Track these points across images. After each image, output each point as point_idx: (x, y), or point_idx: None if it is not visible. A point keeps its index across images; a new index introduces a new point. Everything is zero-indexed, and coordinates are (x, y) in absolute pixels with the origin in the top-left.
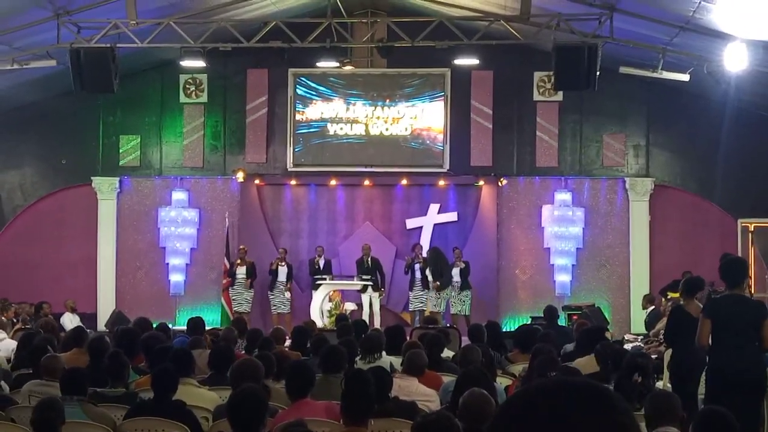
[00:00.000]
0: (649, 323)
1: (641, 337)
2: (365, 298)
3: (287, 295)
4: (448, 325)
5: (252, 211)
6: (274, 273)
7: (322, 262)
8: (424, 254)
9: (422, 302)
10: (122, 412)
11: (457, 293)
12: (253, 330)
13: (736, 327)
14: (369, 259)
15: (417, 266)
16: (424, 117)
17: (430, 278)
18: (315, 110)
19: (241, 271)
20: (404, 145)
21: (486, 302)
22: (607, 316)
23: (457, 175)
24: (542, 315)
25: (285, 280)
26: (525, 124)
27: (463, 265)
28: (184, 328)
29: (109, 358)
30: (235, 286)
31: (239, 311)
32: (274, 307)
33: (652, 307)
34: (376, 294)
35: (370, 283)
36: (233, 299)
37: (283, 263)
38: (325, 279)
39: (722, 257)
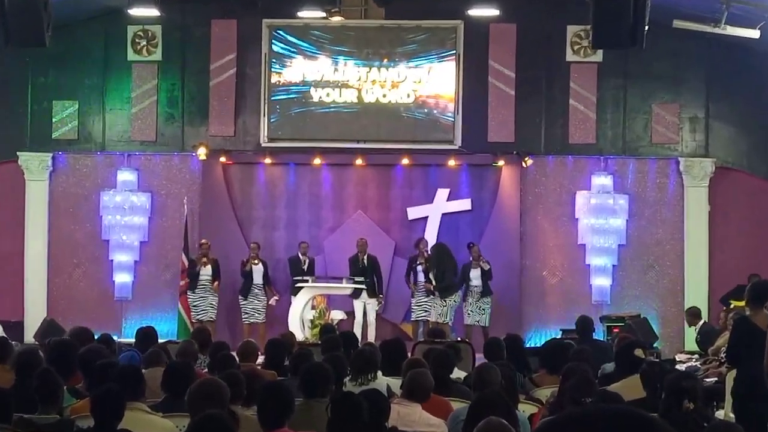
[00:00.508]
0: (702, 341)
1: (697, 355)
2: (358, 306)
3: (264, 300)
4: (458, 338)
5: (217, 196)
6: (248, 274)
7: (307, 261)
8: (430, 251)
9: (427, 310)
10: None
11: (475, 300)
12: (217, 343)
13: None
14: (365, 257)
15: (420, 267)
16: (431, 81)
17: (431, 281)
18: (295, 71)
19: (204, 271)
20: (406, 116)
21: (506, 311)
22: (655, 330)
23: (472, 154)
24: (575, 327)
25: (261, 282)
26: (556, 91)
27: (487, 266)
28: (132, 340)
29: (38, 378)
30: (196, 290)
31: (201, 320)
32: (246, 316)
33: (702, 321)
34: (373, 300)
35: (364, 286)
36: (193, 305)
37: (257, 261)
38: (306, 281)
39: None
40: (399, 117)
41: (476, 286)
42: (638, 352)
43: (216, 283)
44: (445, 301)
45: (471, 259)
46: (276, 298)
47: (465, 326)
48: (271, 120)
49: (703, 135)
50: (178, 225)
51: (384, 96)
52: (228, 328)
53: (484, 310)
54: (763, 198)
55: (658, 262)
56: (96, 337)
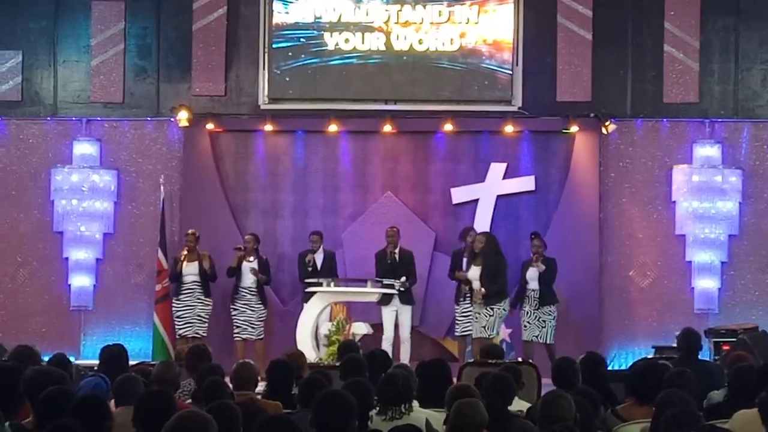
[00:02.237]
0: None
1: None
2: (387, 316)
3: (259, 310)
4: (519, 358)
5: (203, 174)
6: (235, 272)
7: (319, 258)
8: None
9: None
10: None
11: (533, 309)
12: (207, 367)
13: None
14: (397, 251)
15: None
16: (482, 22)
17: (475, 285)
18: (304, 10)
19: (189, 270)
20: (449, 68)
21: (581, 323)
22: None
23: (535, 117)
24: (676, 344)
25: (254, 285)
26: (645, 35)
27: (543, 267)
28: (95, 362)
29: None
30: (180, 296)
31: (185, 335)
32: (237, 330)
33: None
34: (408, 309)
35: (397, 290)
36: (177, 317)
37: (252, 257)
38: (321, 284)
39: None
40: (439, 70)
41: (533, 290)
42: None
43: (202, 286)
44: (491, 309)
45: (532, 254)
46: (258, 273)
47: (523, 342)
48: (274, 73)
49: None
50: (153, 212)
51: (420, 42)
52: (222, 346)
53: (545, 322)
54: None
55: None
56: (45, 359)
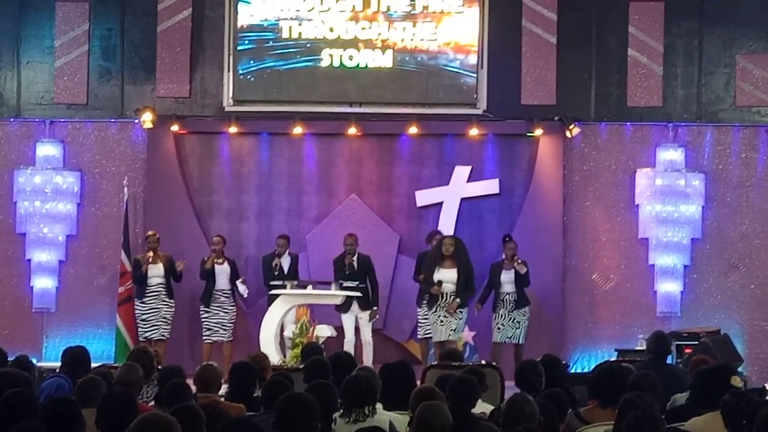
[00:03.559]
0: None
1: None
2: (347, 321)
3: (232, 312)
4: (483, 362)
5: (167, 176)
6: (209, 274)
7: (286, 263)
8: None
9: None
10: None
11: (507, 311)
12: (167, 369)
13: None
14: (354, 258)
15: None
16: (448, 25)
17: (445, 287)
18: (268, 11)
19: (154, 273)
20: (414, 71)
21: (545, 326)
22: (739, 350)
23: (500, 120)
24: (637, 347)
25: (228, 287)
26: (609, 37)
27: (524, 270)
28: (57, 364)
29: None
30: (144, 299)
31: (150, 338)
32: (207, 333)
33: None
34: (366, 314)
35: (358, 293)
36: (141, 319)
37: (222, 259)
38: (284, 286)
39: None
40: (405, 73)
41: (509, 294)
42: (735, 380)
43: (165, 286)
44: (461, 312)
45: (503, 257)
46: (243, 282)
47: (493, 344)
48: (239, 74)
49: None
50: (117, 214)
51: (385, 45)
52: (186, 349)
53: (518, 323)
54: None
55: (743, 262)
56: (8, 360)
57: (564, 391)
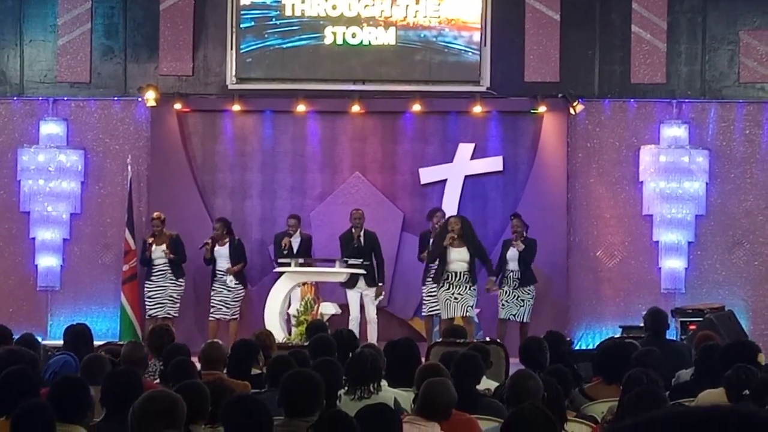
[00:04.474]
0: None
1: None
2: (352, 297)
3: (235, 291)
4: (487, 338)
5: (170, 154)
6: (211, 261)
7: (296, 243)
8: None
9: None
10: None
11: (512, 288)
12: (173, 346)
13: None
14: (362, 233)
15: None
16: (451, 2)
17: (457, 266)
18: None
19: (158, 254)
20: (417, 48)
21: (549, 303)
22: (743, 327)
23: (504, 98)
24: (642, 323)
25: (229, 265)
26: (612, 14)
27: (522, 246)
28: (61, 342)
29: None
30: (152, 277)
31: (155, 315)
32: (213, 310)
33: None
34: (372, 290)
35: (362, 271)
36: (148, 297)
37: (226, 240)
38: (288, 264)
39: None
40: (408, 50)
41: (513, 271)
42: (761, 357)
43: (170, 265)
44: (475, 289)
45: (513, 234)
46: (235, 269)
47: (499, 321)
48: (242, 52)
49: None
50: (120, 192)
51: (387, 21)
52: (196, 327)
53: (523, 301)
54: None
55: (747, 238)
56: (14, 339)
57: (568, 368)
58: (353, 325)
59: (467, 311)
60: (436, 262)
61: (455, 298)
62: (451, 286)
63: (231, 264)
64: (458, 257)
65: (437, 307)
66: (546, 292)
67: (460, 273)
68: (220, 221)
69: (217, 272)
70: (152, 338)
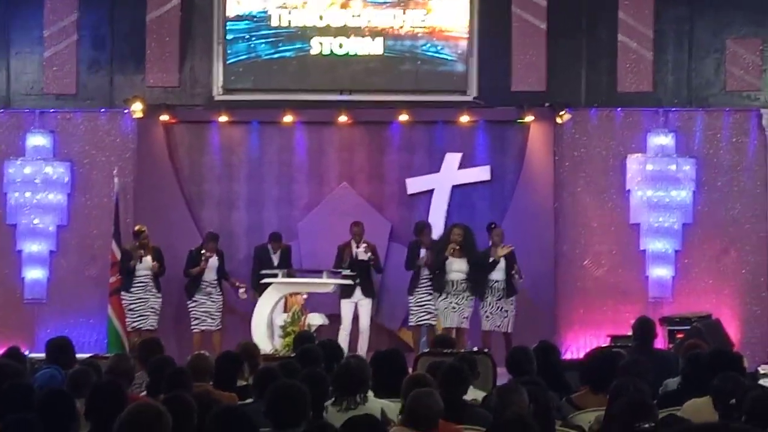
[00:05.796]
0: None
1: None
2: (346, 307)
3: (219, 301)
4: (474, 348)
5: (157, 165)
6: (200, 275)
7: (276, 256)
8: (435, 236)
9: (431, 312)
10: None
11: (496, 299)
12: (159, 359)
13: None
14: (364, 246)
15: (423, 254)
16: (438, 12)
17: (456, 276)
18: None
19: (143, 265)
20: (404, 58)
21: (536, 312)
22: (731, 335)
23: (490, 107)
24: (631, 332)
25: (215, 277)
26: (599, 25)
27: (507, 251)
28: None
29: None
30: (132, 289)
31: (138, 329)
32: (196, 322)
33: None
34: (368, 301)
35: (349, 282)
36: (129, 309)
37: (211, 253)
38: (276, 275)
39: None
40: (395, 60)
41: (497, 281)
42: (764, 368)
43: (154, 278)
44: (471, 299)
45: (491, 244)
46: (243, 287)
47: (483, 333)
48: (228, 63)
49: None
50: (107, 204)
51: (373, 30)
52: (175, 339)
53: (506, 312)
54: None
55: (735, 246)
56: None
57: (558, 377)
58: (344, 336)
59: (462, 323)
60: (423, 270)
61: (453, 308)
62: (449, 295)
63: (217, 277)
64: (458, 268)
65: (425, 317)
66: (533, 301)
67: (457, 282)
68: (214, 239)
69: (202, 282)
70: (141, 350)
